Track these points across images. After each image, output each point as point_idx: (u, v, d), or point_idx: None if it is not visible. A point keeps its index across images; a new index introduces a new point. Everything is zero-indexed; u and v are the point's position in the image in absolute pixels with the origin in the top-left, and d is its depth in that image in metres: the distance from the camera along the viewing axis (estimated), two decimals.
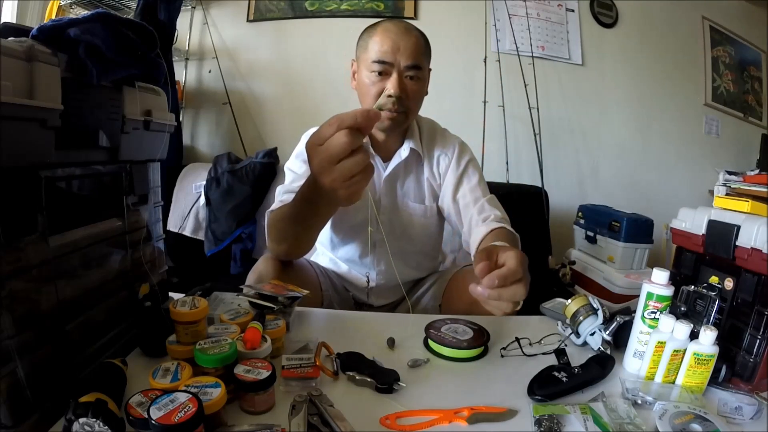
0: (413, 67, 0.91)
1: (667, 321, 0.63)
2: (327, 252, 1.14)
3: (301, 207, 0.73)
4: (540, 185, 2.13)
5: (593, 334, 0.73)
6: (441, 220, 1.11)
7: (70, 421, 0.42)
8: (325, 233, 1.09)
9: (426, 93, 0.99)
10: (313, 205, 0.70)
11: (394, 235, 1.04)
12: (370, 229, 0.99)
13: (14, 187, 0.44)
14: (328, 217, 0.81)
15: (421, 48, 0.93)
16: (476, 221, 0.96)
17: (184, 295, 0.69)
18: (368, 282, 1.08)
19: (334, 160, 0.52)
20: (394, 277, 1.10)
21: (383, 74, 0.91)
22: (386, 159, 1.02)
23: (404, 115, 0.94)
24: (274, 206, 0.92)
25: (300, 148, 1.03)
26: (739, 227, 0.67)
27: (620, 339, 0.71)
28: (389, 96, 0.90)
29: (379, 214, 1.02)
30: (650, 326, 0.66)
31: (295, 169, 1.00)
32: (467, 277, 0.96)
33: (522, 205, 2.00)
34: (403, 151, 1.00)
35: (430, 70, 0.99)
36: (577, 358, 0.69)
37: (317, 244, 1.17)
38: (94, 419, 0.42)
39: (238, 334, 0.62)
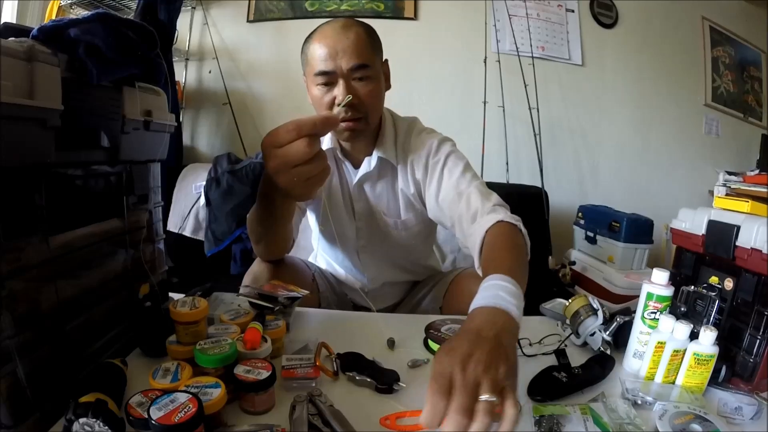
0: (359, 68, 0.81)
1: (667, 321, 0.63)
2: (325, 255, 1.14)
3: (262, 204, 0.74)
4: (540, 185, 2.13)
5: (593, 334, 0.73)
6: (423, 230, 1.03)
7: (70, 421, 0.42)
8: (319, 237, 1.09)
9: (388, 87, 0.91)
10: (272, 201, 0.71)
11: (377, 239, 1.02)
12: (322, 228, 0.99)
13: (14, 187, 0.44)
14: (289, 212, 0.81)
15: (364, 44, 0.83)
16: (467, 220, 0.82)
17: (184, 295, 0.69)
18: (364, 289, 1.08)
19: (292, 165, 0.54)
20: (387, 281, 1.10)
21: (329, 84, 0.82)
22: (357, 165, 0.95)
23: (363, 121, 0.86)
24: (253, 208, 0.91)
25: None
26: (739, 227, 0.67)
27: (620, 339, 0.71)
28: (338, 105, 0.81)
29: (355, 220, 1.00)
30: (650, 326, 0.66)
31: None
32: (468, 281, 0.95)
33: (522, 205, 1.98)
34: (372, 160, 0.92)
35: (386, 61, 0.91)
36: (577, 359, 0.69)
37: (316, 247, 1.17)
38: (94, 419, 0.42)
39: (238, 335, 0.62)
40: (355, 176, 0.95)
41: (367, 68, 0.83)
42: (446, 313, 0.99)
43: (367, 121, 0.87)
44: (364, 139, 0.92)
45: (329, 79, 0.82)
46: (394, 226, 0.99)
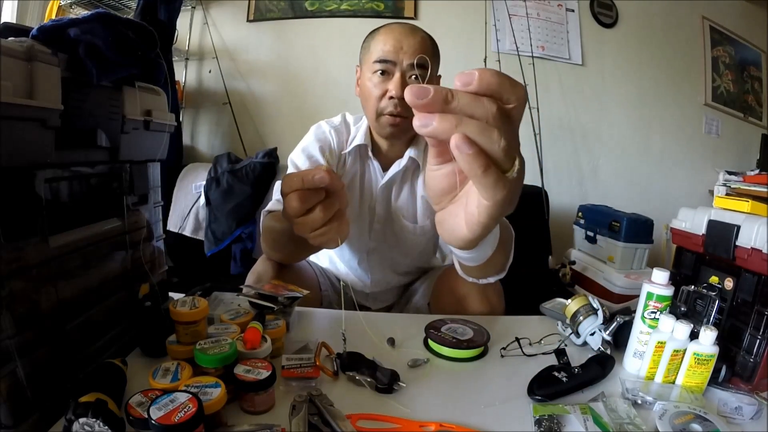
0: (418, 66, 0.84)
1: (667, 321, 0.63)
2: (331, 252, 1.14)
3: (288, 231, 0.71)
4: (540, 185, 2.13)
5: (593, 334, 0.73)
6: (435, 235, 1.05)
7: (70, 421, 0.42)
8: None
9: None
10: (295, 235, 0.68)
11: (387, 244, 1.03)
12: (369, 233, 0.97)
13: (14, 187, 0.44)
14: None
15: (427, 48, 0.87)
16: None
17: (184, 295, 0.69)
18: (365, 290, 1.09)
19: (293, 217, 0.50)
20: (389, 284, 1.11)
21: (385, 74, 0.86)
22: (386, 167, 0.97)
23: (408, 121, 0.86)
24: (270, 205, 0.91)
25: (306, 142, 0.99)
26: (739, 227, 0.67)
27: (620, 339, 0.71)
28: (391, 98, 0.85)
29: (373, 222, 1.01)
30: (650, 326, 0.66)
31: (298, 164, 0.96)
32: (453, 275, 0.96)
33: (522, 205, 1.96)
34: (403, 161, 0.95)
35: (439, 77, 0.93)
36: (577, 358, 0.69)
37: None
38: (94, 419, 0.42)
39: (238, 334, 0.62)
40: (382, 177, 0.97)
41: (425, 70, 0.86)
42: (434, 307, 1.00)
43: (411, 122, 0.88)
44: (403, 139, 0.94)
45: (387, 67, 0.86)
46: (412, 230, 1.01)
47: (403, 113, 0.87)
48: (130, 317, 0.65)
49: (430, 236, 1.04)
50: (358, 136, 0.97)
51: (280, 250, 0.85)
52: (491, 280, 0.83)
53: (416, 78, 0.86)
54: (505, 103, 0.30)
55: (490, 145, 0.30)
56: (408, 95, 0.29)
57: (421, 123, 0.30)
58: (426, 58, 0.86)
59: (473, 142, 0.29)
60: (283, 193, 0.49)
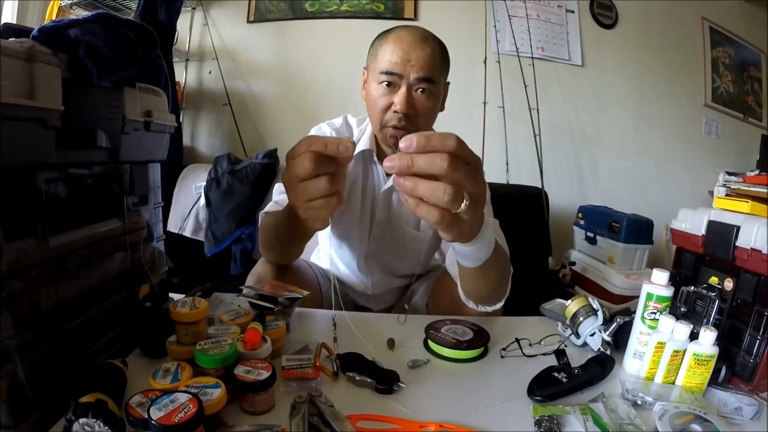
0: (425, 80, 0.83)
1: (667, 321, 0.63)
2: (332, 253, 1.13)
3: (283, 219, 0.72)
4: (540, 186, 2.13)
5: (593, 334, 0.73)
6: (438, 242, 1.04)
7: (70, 421, 0.42)
8: (328, 235, 1.09)
9: (442, 109, 0.92)
10: (291, 219, 0.69)
11: (385, 249, 1.03)
12: (334, 227, 0.96)
13: (15, 188, 0.44)
14: (306, 235, 0.81)
15: (436, 60, 0.85)
16: None
17: (184, 295, 0.69)
18: (366, 292, 1.08)
19: (297, 179, 0.50)
20: (389, 286, 1.10)
21: (392, 86, 0.84)
22: (389, 172, 0.98)
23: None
24: (268, 207, 0.91)
25: None
26: (738, 228, 0.67)
27: (620, 340, 0.71)
28: (395, 112, 0.84)
29: (372, 226, 1.00)
30: (650, 327, 0.66)
31: None
32: (450, 277, 0.96)
33: (522, 205, 2.00)
34: None
35: (448, 83, 0.92)
36: (577, 359, 0.69)
37: (327, 244, 1.17)
38: (94, 419, 0.42)
39: (238, 335, 0.62)
40: (385, 182, 0.96)
41: (432, 83, 0.84)
42: (432, 308, 1.00)
43: None
44: None
45: (393, 80, 0.84)
46: (414, 237, 1.00)
47: (407, 127, 0.85)
48: (130, 318, 0.65)
49: (432, 243, 1.03)
50: (362, 139, 0.97)
51: (272, 247, 0.86)
52: (488, 309, 0.82)
53: (422, 92, 0.84)
54: (449, 152, 0.42)
55: (438, 199, 0.43)
56: (386, 164, 0.44)
57: (395, 183, 0.45)
58: (432, 77, 0.84)
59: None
60: (297, 154, 0.49)
